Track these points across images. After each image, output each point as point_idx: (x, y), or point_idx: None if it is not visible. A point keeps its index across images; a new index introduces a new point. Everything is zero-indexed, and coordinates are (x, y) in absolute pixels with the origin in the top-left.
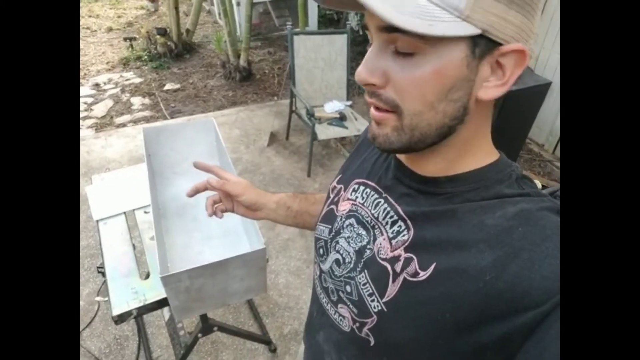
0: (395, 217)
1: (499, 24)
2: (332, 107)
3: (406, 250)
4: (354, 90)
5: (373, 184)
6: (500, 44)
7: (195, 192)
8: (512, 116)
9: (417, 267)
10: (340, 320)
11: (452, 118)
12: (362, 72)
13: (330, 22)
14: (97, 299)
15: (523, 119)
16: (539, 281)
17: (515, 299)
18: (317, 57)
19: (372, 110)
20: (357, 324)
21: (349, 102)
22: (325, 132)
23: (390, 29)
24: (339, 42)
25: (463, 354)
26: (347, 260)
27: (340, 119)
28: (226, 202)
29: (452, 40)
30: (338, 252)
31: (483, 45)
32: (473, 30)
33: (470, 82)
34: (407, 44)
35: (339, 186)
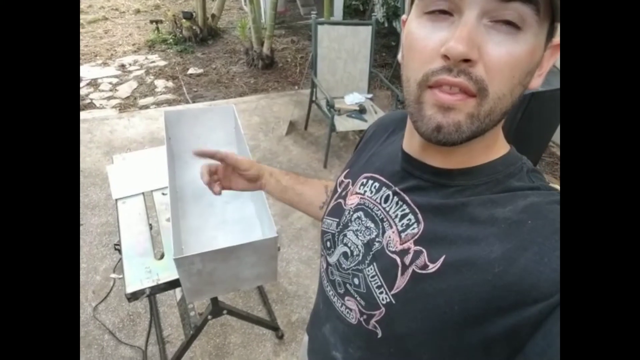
0: (406, 210)
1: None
2: (353, 99)
3: (416, 243)
4: (375, 82)
5: (382, 178)
6: (552, 36)
7: (202, 154)
8: (535, 118)
9: (426, 259)
10: (347, 312)
11: (512, 105)
12: (461, 46)
13: (355, 13)
14: (112, 275)
15: (547, 121)
16: (547, 274)
17: (524, 292)
18: (341, 47)
19: (442, 94)
20: (365, 316)
21: (370, 95)
22: (344, 124)
23: None
24: (364, 34)
25: (471, 346)
26: (355, 253)
27: (359, 112)
28: (225, 180)
29: (545, 22)
30: (346, 245)
31: (550, 33)
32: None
33: (535, 69)
34: (521, 17)
35: (346, 180)
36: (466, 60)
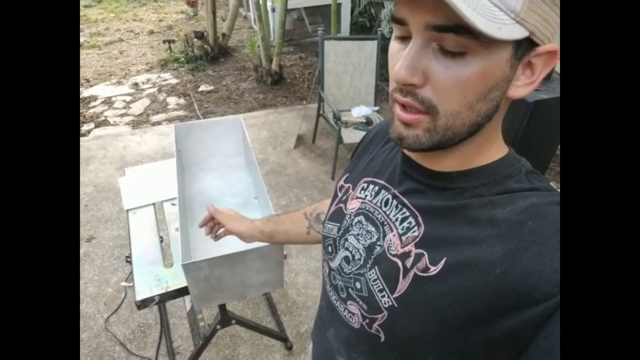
0: (406, 214)
1: (542, 26)
2: (359, 111)
3: (417, 246)
4: (381, 95)
5: (382, 182)
6: (537, 45)
7: (205, 222)
8: (542, 125)
9: (427, 262)
10: (350, 317)
11: (484, 116)
12: (402, 72)
13: (362, 29)
14: (123, 284)
15: (553, 128)
16: (548, 274)
17: (526, 293)
18: (347, 62)
19: (400, 111)
20: (367, 320)
21: (376, 108)
22: (351, 136)
23: (442, 29)
24: (369, 48)
25: (474, 347)
26: (356, 257)
27: (366, 124)
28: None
29: (502, 42)
30: (347, 249)
31: (524, 46)
32: (524, 33)
33: (508, 82)
34: (458, 44)
35: (346, 185)
36: (412, 84)
